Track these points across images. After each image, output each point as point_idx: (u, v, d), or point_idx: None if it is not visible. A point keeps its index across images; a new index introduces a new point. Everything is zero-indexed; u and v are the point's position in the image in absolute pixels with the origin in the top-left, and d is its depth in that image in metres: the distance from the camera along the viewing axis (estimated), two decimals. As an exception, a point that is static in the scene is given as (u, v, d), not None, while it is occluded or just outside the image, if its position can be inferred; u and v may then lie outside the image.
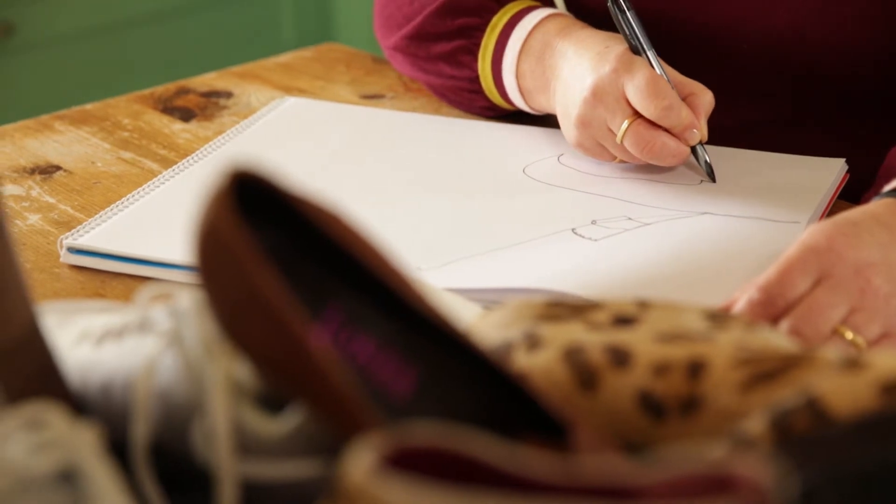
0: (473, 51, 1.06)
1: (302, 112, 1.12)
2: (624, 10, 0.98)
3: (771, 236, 0.90)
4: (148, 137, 1.10)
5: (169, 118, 1.14)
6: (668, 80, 0.96)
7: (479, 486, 0.48)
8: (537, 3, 1.06)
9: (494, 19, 1.06)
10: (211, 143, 1.07)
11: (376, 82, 1.21)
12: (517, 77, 1.04)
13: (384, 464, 0.47)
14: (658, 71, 0.96)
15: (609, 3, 0.99)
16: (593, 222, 0.94)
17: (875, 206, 0.82)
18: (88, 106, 1.16)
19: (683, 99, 0.96)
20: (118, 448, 0.59)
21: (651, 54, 0.97)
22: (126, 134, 1.11)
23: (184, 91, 1.19)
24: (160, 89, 1.19)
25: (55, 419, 0.53)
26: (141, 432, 0.58)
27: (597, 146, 0.99)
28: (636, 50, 0.97)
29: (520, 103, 1.06)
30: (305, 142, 1.07)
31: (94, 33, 2.35)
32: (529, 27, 1.04)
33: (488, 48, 1.06)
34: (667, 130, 0.95)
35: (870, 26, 1.03)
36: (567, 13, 1.05)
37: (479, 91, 1.08)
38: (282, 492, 0.57)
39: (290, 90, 1.19)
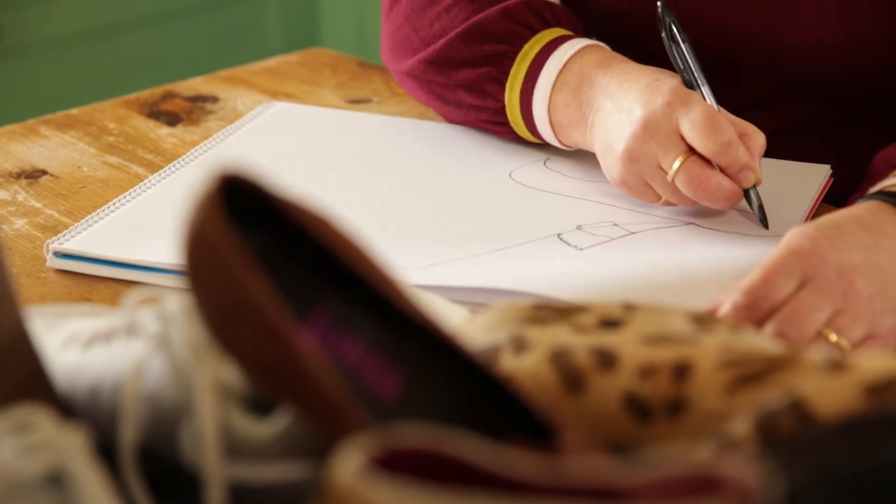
0: (501, 80, 1.00)
1: (288, 116, 1.13)
2: (678, 42, 0.93)
3: (756, 245, 0.91)
4: (134, 142, 1.10)
5: (155, 123, 1.14)
6: None
7: (466, 488, 0.48)
8: (572, 34, 1.00)
9: (526, 47, 0.99)
10: (197, 147, 1.07)
11: (362, 87, 1.21)
12: (549, 110, 0.98)
13: (372, 465, 0.48)
14: (714, 106, 0.91)
15: (663, 35, 0.94)
16: (579, 227, 0.94)
17: (858, 208, 0.82)
18: (74, 110, 1.16)
19: None
20: (106, 451, 0.59)
21: (706, 90, 0.92)
22: (112, 138, 1.11)
23: (170, 95, 1.19)
24: (146, 94, 1.19)
25: (43, 422, 0.53)
26: (129, 435, 0.58)
27: (642, 185, 0.92)
28: (690, 84, 0.92)
29: (549, 137, 1.00)
30: (292, 146, 1.07)
31: (80, 38, 2.35)
32: (566, 57, 0.97)
33: (518, 78, 0.99)
34: (721, 170, 0.90)
35: (887, 35, 1.02)
36: (603, 45, 0.99)
37: (503, 123, 1.02)
38: (270, 494, 0.57)
39: (276, 95, 1.19)
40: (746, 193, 0.92)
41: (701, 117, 0.89)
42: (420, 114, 1.14)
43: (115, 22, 2.38)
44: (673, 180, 0.90)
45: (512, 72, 1.00)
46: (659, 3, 0.95)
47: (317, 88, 1.21)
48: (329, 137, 1.09)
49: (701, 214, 0.95)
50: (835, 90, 1.05)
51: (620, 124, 0.92)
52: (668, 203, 0.93)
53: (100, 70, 2.37)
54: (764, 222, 0.92)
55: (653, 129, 0.90)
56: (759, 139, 0.91)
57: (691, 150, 0.90)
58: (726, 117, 0.91)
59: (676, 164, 0.89)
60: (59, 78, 2.33)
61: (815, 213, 0.97)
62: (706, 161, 0.90)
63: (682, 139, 0.90)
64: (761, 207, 0.92)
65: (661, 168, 0.90)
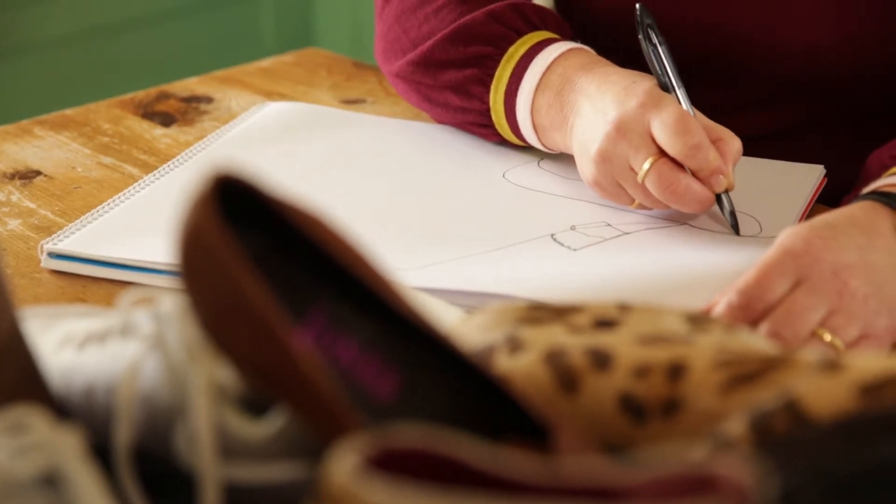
0: (486, 82, 1.00)
1: (283, 116, 1.12)
2: (656, 45, 0.93)
3: (750, 246, 0.91)
4: (128, 142, 1.10)
5: (149, 123, 1.14)
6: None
7: (462, 488, 0.48)
8: (558, 37, 1.00)
9: (511, 49, 0.99)
10: (191, 147, 1.07)
11: (357, 87, 1.21)
12: (532, 112, 0.98)
13: (368, 466, 0.48)
14: (688, 110, 0.91)
15: (640, 37, 0.94)
16: (572, 228, 0.94)
17: (852, 208, 0.83)
18: (69, 111, 1.16)
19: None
20: (101, 452, 0.59)
21: (681, 93, 0.92)
22: (106, 139, 1.11)
23: (164, 96, 1.19)
24: (141, 94, 1.19)
25: (38, 423, 0.53)
26: (124, 436, 0.58)
27: (615, 185, 0.92)
28: (665, 87, 0.92)
29: (532, 140, 1.00)
30: (286, 146, 1.07)
31: (75, 39, 2.35)
32: (549, 60, 0.97)
33: (502, 80, 0.99)
34: (692, 174, 0.89)
35: (886, 36, 1.02)
36: (588, 48, 0.99)
37: (488, 125, 1.02)
38: (265, 494, 0.57)
39: (271, 95, 1.19)
40: (718, 198, 0.91)
41: (671, 119, 0.88)
42: (414, 114, 1.14)
43: (110, 22, 2.38)
44: (643, 181, 0.90)
45: (497, 73, 1.00)
46: (637, 6, 0.95)
47: (311, 89, 1.21)
48: (324, 138, 1.09)
49: (694, 215, 0.95)
50: (834, 91, 1.05)
51: (596, 125, 0.92)
52: (641, 206, 0.93)
53: (94, 70, 2.37)
54: (735, 228, 0.91)
55: (624, 130, 0.90)
56: (734, 145, 0.91)
57: (663, 153, 0.89)
58: (700, 121, 0.91)
59: (646, 166, 0.89)
60: (53, 78, 2.33)
61: (810, 213, 0.97)
62: (678, 164, 0.89)
63: (654, 141, 0.89)
64: (733, 213, 0.91)
65: (632, 170, 0.90)
